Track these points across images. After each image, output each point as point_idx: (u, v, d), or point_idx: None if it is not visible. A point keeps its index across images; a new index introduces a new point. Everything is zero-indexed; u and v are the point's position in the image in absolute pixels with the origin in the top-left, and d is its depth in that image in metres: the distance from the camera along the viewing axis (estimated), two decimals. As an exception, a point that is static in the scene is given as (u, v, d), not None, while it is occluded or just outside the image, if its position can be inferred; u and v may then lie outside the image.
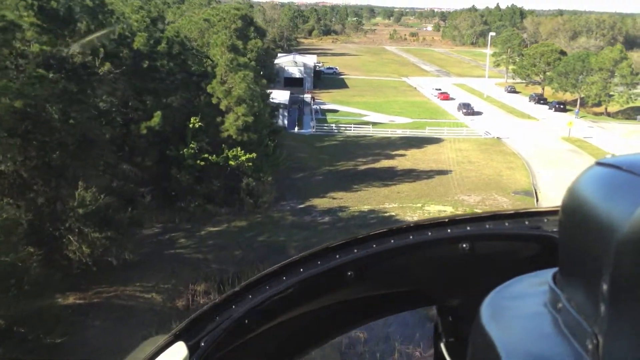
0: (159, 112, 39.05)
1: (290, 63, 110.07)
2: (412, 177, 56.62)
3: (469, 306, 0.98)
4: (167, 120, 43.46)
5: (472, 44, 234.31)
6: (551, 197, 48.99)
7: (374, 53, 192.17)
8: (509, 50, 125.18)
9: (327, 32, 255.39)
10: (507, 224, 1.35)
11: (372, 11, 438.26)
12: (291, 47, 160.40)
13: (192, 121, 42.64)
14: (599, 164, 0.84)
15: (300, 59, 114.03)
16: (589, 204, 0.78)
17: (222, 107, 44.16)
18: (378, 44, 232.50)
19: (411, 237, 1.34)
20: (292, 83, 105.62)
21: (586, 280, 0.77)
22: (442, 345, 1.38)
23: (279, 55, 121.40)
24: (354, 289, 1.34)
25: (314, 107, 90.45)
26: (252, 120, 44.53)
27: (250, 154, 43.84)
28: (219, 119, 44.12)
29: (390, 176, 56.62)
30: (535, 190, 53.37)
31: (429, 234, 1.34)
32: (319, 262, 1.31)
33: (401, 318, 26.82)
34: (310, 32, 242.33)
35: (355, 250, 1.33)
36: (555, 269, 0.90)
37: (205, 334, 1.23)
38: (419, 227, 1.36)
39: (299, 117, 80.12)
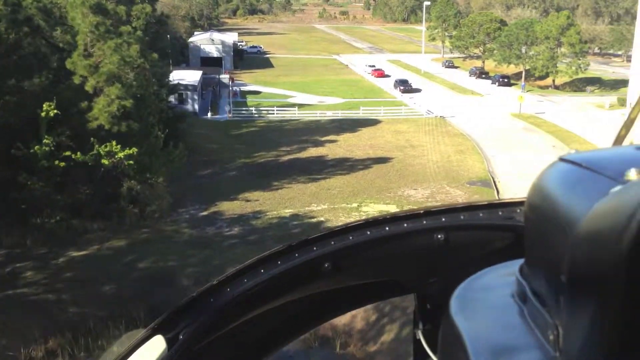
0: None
1: (206, 41, 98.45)
2: (345, 168, 46.75)
3: (446, 294, 1.00)
4: (16, 109, 32.14)
5: (404, 20, 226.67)
6: (513, 189, 39.94)
7: (303, 31, 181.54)
8: (444, 23, 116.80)
9: (253, 11, 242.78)
10: (481, 215, 1.38)
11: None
12: (212, 26, 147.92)
13: (44, 108, 31.31)
14: (562, 159, 0.86)
15: (218, 36, 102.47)
16: (550, 199, 0.80)
17: (89, 88, 32.97)
18: (307, 23, 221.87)
19: (387, 228, 1.36)
20: (209, 63, 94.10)
21: (548, 272, 0.79)
22: (420, 333, 1.40)
23: (196, 33, 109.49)
24: (331, 280, 1.36)
25: (234, 89, 79.44)
26: (131, 104, 33.51)
27: (130, 149, 32.89)
28: (84, 105, 32.91)
29: (319, 168, 46.60)
30: (493, 179, 44.34)
31: (405, 225, 1.36)
32: (296, 255, 1.32)
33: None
34: (234, 12, 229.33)
35: (333, 242, 1.34)
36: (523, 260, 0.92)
37: (183, 326, 1.23)
38: (395, 218, 1.38)
39: (214, 101, 69.05)
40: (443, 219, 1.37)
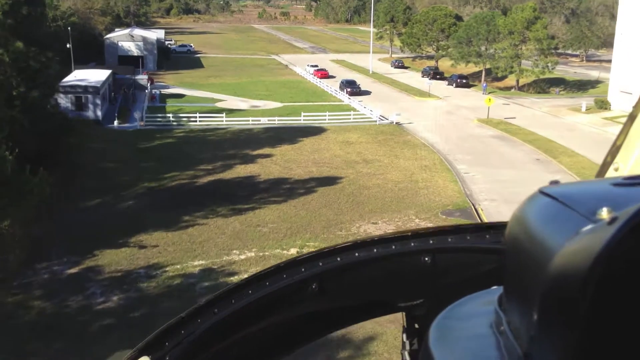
0: None
1: (125, 38, 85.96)
2: (281, 194, 35.88)
3: (435, 314, 1.02)
4: None
5: (347, 21, 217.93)
6: (501, 219, 29.66)
7: (240, 31, 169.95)
8: (392, 19, 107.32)
9: (189, 11, 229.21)
10: (468, 238, 1.39)
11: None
12: (140, 24, 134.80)
13: None
14: (541, 192, 0.85)
15: (140, 32, 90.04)
16: (526, 233, 0.80)
17: None
18: (245, 23, 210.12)
19: (375, 250, 1.37)
20: (128, 62, 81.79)
21: (522, 307, 0.79)
22: (406, 354, 1.40)
23: (117, 30, 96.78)
24: (319, 301, 1.37)
25: (152, 92, 67.58)
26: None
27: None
28: None
29: (248, 194, 35.61)
30: (473, 205, 34.17)
31: (393, 247, 1.37)
32: (284, 276, 1.33)
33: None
34: (168, 11, 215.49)
35: (321, 264, 1.35)
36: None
37: (170, 348, 1.23)
38: (383, 240, 1.38)
39: (124, 106, 57.01)
40: (431, 241, 1.38)
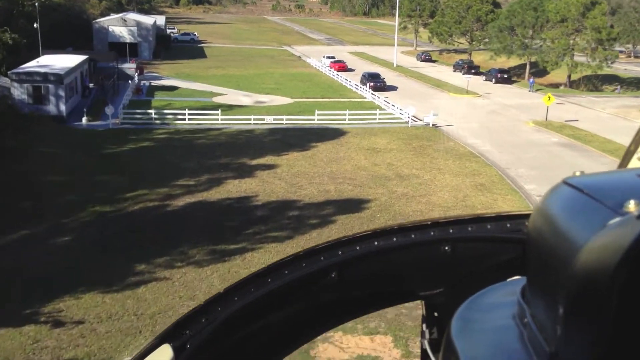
0: None
1: (116, 22, 75.68)
2: (285, 226, 25.39)
3: (454, 303, 1.03)
4: None
5: (365, 14, 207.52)
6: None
7: (251, 22, 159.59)
8: (418, 7, 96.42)
9: (199, 1, 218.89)
10: (488, 227, 1.38)
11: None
12: (142, 12, 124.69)
13: None
14: (565, 183, 0.83)
15: (134, 17, 79.73)
16: (550, 225, 0.79)
17: None
18: (258, 15, 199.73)
19: (395, 239, 1.36)
20: (120, 50, 71.67)
21: (546, 300, 0.78)
22: (426, 342, 1.40)
23: (112, 15, 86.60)
24: (338, 290, 1.37)
25: (142, 83, 57.37)
26: None
27: None
28: None
29: (239, 225, 25.21)
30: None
31: (412, 236, 1.37)
32: (303, 264, 1.33)
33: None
34: (177, 1, 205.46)
35: (340, 252, 1.35)
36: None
37: (190, 336, 1.24)
38: (403, 229, 1.38)
39: (98, 100, 46.63)
40: (450, 231, 1.36)
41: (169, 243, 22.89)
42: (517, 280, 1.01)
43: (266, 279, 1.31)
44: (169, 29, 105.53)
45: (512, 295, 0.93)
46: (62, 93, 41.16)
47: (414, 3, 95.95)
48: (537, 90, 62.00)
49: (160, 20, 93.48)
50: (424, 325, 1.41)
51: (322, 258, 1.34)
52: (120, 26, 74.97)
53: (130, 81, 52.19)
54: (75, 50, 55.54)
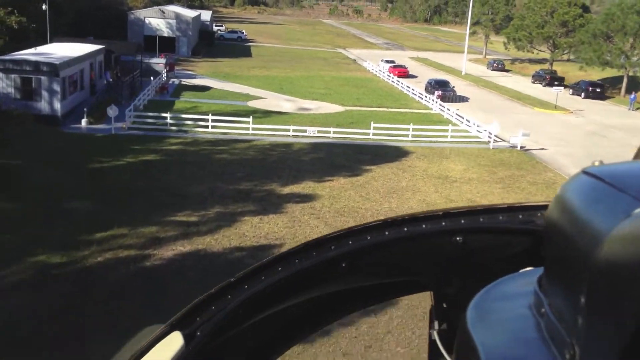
0: None
1: (154, 13, 68.16)
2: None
3: (464, 294, 1.03)
4: None
5: (426, 20, 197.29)
6: None
7: (306, 24, 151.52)
8: (491, 10, 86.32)
9: (255, 2, 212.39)
10: (500, 218, 1.36)
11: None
12: (193, 8, 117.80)
13: None
14: (585, 172, 0.83)
15: (174, 9, 72.13)
16: (570, 215, 0.78)
17: None
18: (314, 18, 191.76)
19: (405, 229, 1.34)
20: (158, 44, 64.27)
21: (566, 289, 0.77)
22: (435, 333, 1.38)
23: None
24: (348, 279, 1.37)
25: (170, 81, 49.38)
26: None
27: None
28: None
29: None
30: None
31: (423, 226, 1.35)
32: (314, 253, 1.32)
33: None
34: (232, 1, 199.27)
35: (350, 242, 1.32)
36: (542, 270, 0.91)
37: (201, 323, 1.23)
38: (414, 219, 1.36)
39: (107, 98, 38.38)
40: (462, 221, 1.34)
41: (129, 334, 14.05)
42: (531, 271, 1.01)
43: (276, 268, 1.28)
44: (216, 25, 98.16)
45: (528, 285, 0.92)
46: (57, 88, 33.08)
47: (486, 6, 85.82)
48: (638, 108, 51.48)
49: (206, 15, 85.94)
50: (433, 316, 1.39)
51: (332, 247, 1.31)
52: (158, 18, 67.41)
53: (161, 78, 43.91)
54: (96, 40, 47.78)
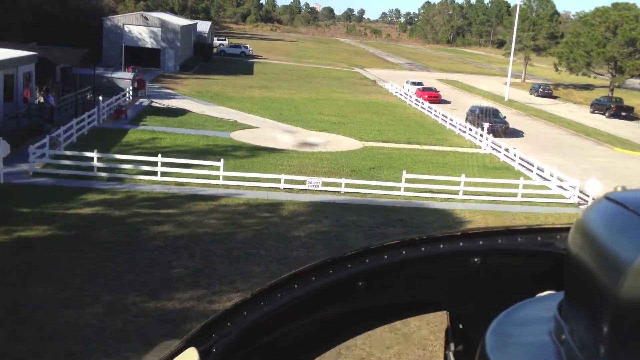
0: None
1: (135, 20, 57.03)
2: None
3: (480, 315, 1.03)
4: None
5: (448, 42, 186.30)
6: None
7: (321, 42, 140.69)
8: (531, 28, 74.67)
9: (269, 19, 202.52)
10: (519, 240, 1.35)
11: (331, 12, 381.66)
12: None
13: None
14: (607, 198, 0.81)
15: (160, 16, 61.00)
16: (592, 242, 0.77)
17: None
18: (330, 36, 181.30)
19: (423, 249, 1.34)
20: (139, 56, 53.26)
21: (588, 318, 0.76)
22: (451, 354, 1.38)
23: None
24: (364, 298, 1.36)
25: (139, 101, 38.05)
26: None
27: None
28: None
29: None
30: None
31: (441, 246, 1.35)
32: (330, 272, 1.32)
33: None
34: (244, 17, 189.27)
35: (367, 261, 1.33)
36: (562, 294, 0.91)
37: (216, 340, 1.23)
38: (432, 239, 1.35)
39: (17, 125, 26.73)
40: (480, 242, 1.33)
41: None
42: (550, 295, 1.00)
43: (293, 285, 1.28)
44: (218, 39, 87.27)
45: (548, 311, 0.91)
46: None
47: (527, 22, 74.16)
48: None
49: (204, 26, 74.88)
50: (449, 337, 1.38)
51: (349, 266, 1.30)
52: (140, 25, 56.28)
53: (101, 99, 32.37)
54: (40, 46, 36.41)
